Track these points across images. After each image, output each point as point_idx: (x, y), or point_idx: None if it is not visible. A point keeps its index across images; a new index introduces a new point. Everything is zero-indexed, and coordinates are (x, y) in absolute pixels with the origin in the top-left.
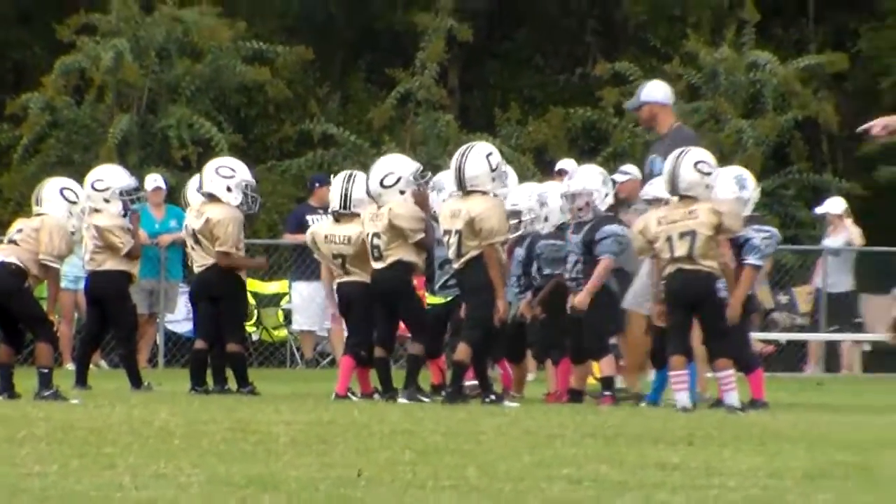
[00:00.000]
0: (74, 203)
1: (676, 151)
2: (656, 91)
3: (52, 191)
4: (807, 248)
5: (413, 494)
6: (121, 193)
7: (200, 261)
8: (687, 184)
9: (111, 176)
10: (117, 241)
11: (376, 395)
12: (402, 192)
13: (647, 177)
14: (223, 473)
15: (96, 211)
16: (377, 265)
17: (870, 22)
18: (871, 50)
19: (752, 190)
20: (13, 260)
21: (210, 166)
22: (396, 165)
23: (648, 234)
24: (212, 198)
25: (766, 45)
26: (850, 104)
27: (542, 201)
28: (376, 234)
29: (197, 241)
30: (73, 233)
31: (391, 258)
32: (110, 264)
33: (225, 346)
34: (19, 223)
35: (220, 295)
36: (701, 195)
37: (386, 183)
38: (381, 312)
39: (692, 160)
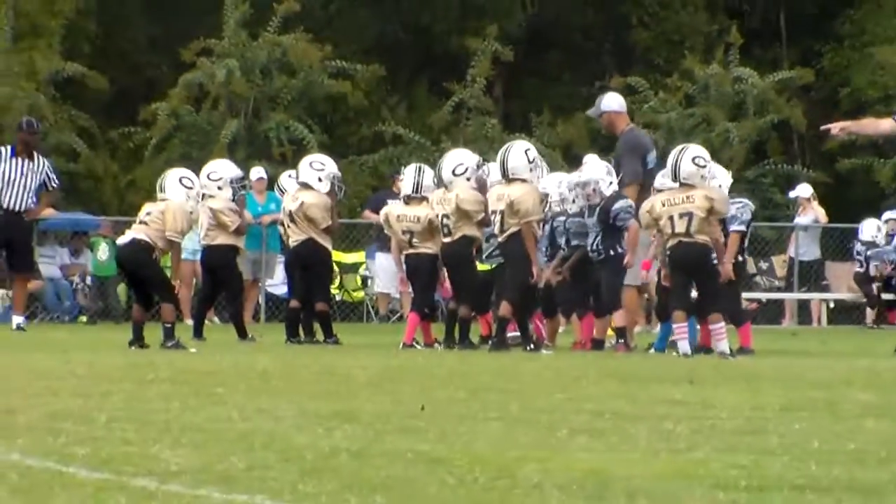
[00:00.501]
0: (191, 188)
1: (678, 148)
2: (612, 101)
3: (172, 180)
4: (782, 225)
5: (466, 424)
6: (231, 182)
7: (294, 236)
8: (686, 174)
9: (223, 168)
10: (227, 220)
11: (437, 345)
12: (468, 179)
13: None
14: (312, 408)
15: (210, 196)
16: (446, 240)
17: (831, 44)
18: (831, 67)
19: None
20: (143, 237)
21: (305, 161)
22: (464, 157)
23: (654, 213)
24: (306, 186)
25: (748, 62)
26: (815, 110)
27: (570, 187)
28: (446, 215)
29: (292, 220)
30: (191, 212)
31: (458, 234)
32: (221, 239)
33: (314, 305)
34: (147, 207)
35: (310, 264)
36: (698, 183)
37: (457, 172)
38: (449, 276)
39: (691, 155)
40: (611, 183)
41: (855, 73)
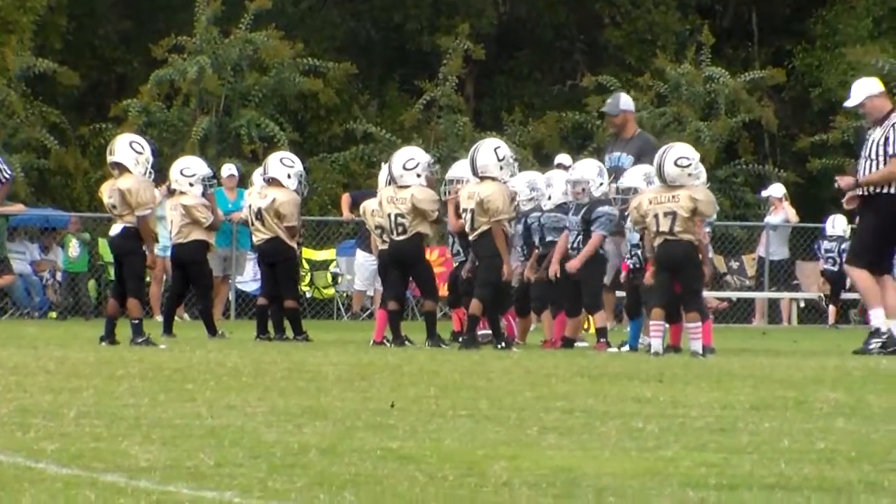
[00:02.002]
0: (140, 153)
1: (662, 149)
2: (630, 103)
3: (123, 143)
4: (752, 224)
5: (436, 422)
6: (202, 179)
7: (260, 234)
8: (670, 176)
9: (196, 165)
10: (201, 216)
11: (407, 343)
12: (418, 176)
13: (610, 170)
14: (282, 405)
15: (182, 192)
16: (399, 238)
17: (802, 44)
18: (803, 67)
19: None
20: (133, 225)
21: (275, 157)
22: (415, 154)
23: (641, 210)
24: (275, 182)
25: (719, 62)
26: (786, 110)
27: (548, 183)
28: (399, 215)
29: (259, 218)
30: (145, 175)
31: (412, 231)
32: (193, 236)
33: (283, 302)
34: (108, 193)
35: (276, 262)
36: (685, 183)
37: (408, 166)
38: (397, 274)
39: (674, 157)
40: (601, 184)
41: (826, 74)
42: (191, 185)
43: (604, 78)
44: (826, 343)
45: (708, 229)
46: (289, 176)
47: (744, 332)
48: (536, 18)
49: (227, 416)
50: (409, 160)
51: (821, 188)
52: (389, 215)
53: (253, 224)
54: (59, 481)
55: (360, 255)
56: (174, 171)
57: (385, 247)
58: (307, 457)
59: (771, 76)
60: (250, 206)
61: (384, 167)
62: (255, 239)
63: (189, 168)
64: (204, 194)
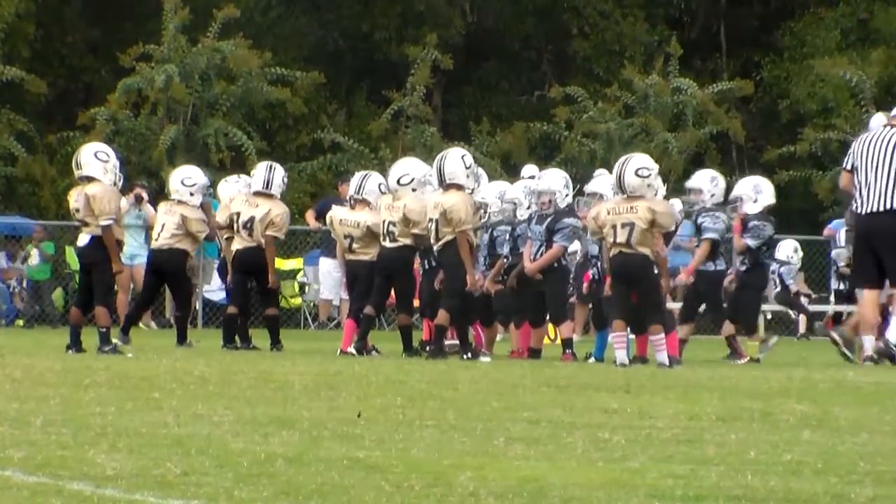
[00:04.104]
0: (106, 161)
1: (622, 159)
2: None
3: (88, 155)
4: None
5: (403, 432)
6: (202, 189)
7: (242, 242)
8: (631, 187)
9: (196, 174)
10: (197, 229)
11: (374, 352)
12: (413, 190)
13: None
14: (249, 414)
15: (181, 202)
16: (388, 244)
17: (770, 56)
18: (771, 78)
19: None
20: (97, 234)
21: (270, 167)
22: (411, 168)
23: (599, 220)
24: (268, 195)
25: (687, 73)
26: (753, 121)
27: (527, 193)
28: (392, 223)
29: (246, 227)
30: (112, 184)
31: (402, 241)
32: (178, 245)
33: (264, 310)
34: (74, 197)
35: (255, 271)
36: (645, 193)
37: (402, 181)
38: (378, 282)
39: (634, 167)
40: (567, 195)
41: (794, 85)
42: (191, 193)
43: (572, 89)
44: (793, 355)
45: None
46: (278, 185)
47: (712, 343)
48: (504, 29)
49: (194, 425)
50: (404, 175)
51: (788, 200)
52: (384, 221)
53: (238, 232)
54: (25, 489)
55: (325, 262)
56: (174, 180)
57: (352, 256)
58: (274, 466)
59: (739, 87)
60: (237, 214)
61: (354, 177)
62: (236, 246)
63: (190, 178)
64: (202, 203)
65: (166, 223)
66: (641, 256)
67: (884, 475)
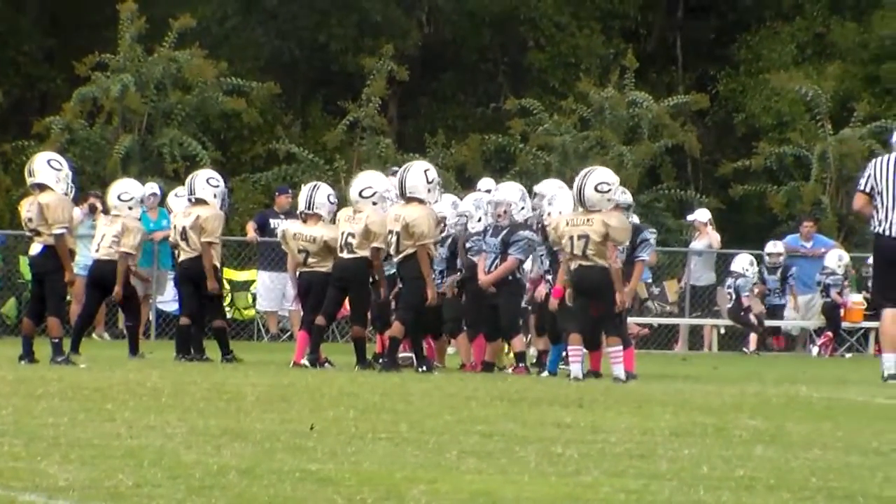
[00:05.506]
0: (59, 170)
1: (582, 172)
2: None
3: (41, 163)
4: (674, 250)
5: (355, 445)
6: (140, 201)
7: (185, 254)
8: (590, 201)
9: (133, 188)
10: (130, 241)
11: (327, 364)
12: (374, 203)
13: None
14: (202, 425)
15: (116, 216)
16: (345, 255)
17: (726, 70)
18: (726, 92)
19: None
20: (49, 243)
21: (200, 176)
22: (373, 181)
23: (559, 231)
24: (201, 202)
25: (643, 87)
26: (709, 135)
27: (477, 206)
28: (351, 234)
29: (184, 237)
30: (65, 194)
31: (360, 253)
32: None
33: (210, 322)
34: (26, 207)
35: (201, 281)
36: (604, 207)
37: (364, 194)
38: (332, 293)
39: (594, 182)
40: (522, 208)
41: (750, 99)
42: (129, 208)
43: (527, 101)
44: (746, 370)
45: (646, 257)
46: (214, 196)
47: (664, 357)
48: (461, 40)
49: (147, 437)
50: (367, 188)
51: (744, 214)
52: (343, 233)
53: (179, 243)
54: None
55: (263, 275)
56: (111, 196)
57: (306, 269)
58: (226, 478)
59: (694, 101)
60: (175, 227)
61: (303, 189)
62: (180, 258)
63: (126, 192)
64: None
65: (106, 234)
66: (600, 269)
67: (836, 491)
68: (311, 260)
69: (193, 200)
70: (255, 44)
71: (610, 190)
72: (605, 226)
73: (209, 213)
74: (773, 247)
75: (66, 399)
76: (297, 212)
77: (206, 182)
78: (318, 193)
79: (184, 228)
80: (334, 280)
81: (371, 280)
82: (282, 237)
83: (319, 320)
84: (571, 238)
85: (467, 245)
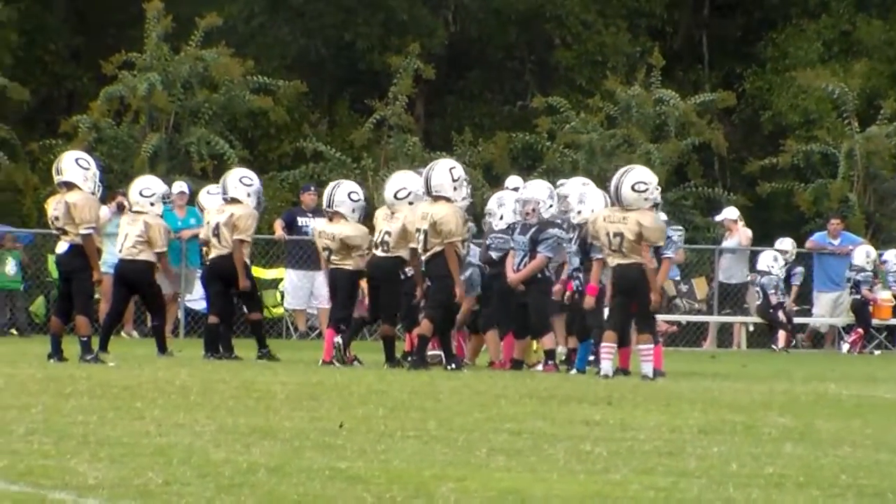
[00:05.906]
0: (87, 169)
1: (620, 171)
2: None
3: (69, 162)
4: (702, 248)
5: (384, 442)
6: (162, 198)
7: (215, 251)
8: (627, 200)
9: (155, 184)
10: (158, 239)
11: (356, 362)
12: (410, 203)
13: None
14: (230, 424)
15: (143, 213)
16: (379, 253)
17: (752, 68)
18: (753, 90)
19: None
20: (76, 242)
21: (233, 175)
22: (407, 182)
23: (596, 226)
24: (234, 200)
25: (669, 84)
26: (736, 132)
27: (500, 203)
28: (387, 233)
29: (216, 234)
30: (92, 193)
31: (395, 252)
32: (143, 255)
33: (247, 316)
34: (53, 206)
35: (232, 278)
36: (641, 206)
37: (399, 196)
38: (368, 291)
39: (631, 182)
40: (550, 206)
41: (776, 97)
42: (151, 204)
43: (554, 99)
44: (775, 367)
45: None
46: (248, 194)
47: (693, 355)
48: (487, 38)
49: (176, 435)
50: (401, 189)
51: (771, 212)
52: (380, 231)
53: (210, 240)
54: (7, 499)
55: (290, 273)
56: (133, 192)
57: (332, 266)
58: (255, 476)
59: (721, 99)
60: (208, 223)
61: (327, 188)
62: (210, 255)
63: (148, 188)
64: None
65: (129, 233)
66: (638, 266)
67: (865, 488)
68: (333, 257)
69: (228, 199)
70: (282, 42)
71: (647, 189)
72: (639, 225)
73: (243, 211)
74: (781, 244)
75: (96, 397)
76: (314, 207)
77: (239, 181)
78: (339, 191)
79: (217, 224)
80: (368, 278)
81: (403, 278)
82: (314, 234)
83: (365, 317)
84: (608, 234)
85: (489, 243)
